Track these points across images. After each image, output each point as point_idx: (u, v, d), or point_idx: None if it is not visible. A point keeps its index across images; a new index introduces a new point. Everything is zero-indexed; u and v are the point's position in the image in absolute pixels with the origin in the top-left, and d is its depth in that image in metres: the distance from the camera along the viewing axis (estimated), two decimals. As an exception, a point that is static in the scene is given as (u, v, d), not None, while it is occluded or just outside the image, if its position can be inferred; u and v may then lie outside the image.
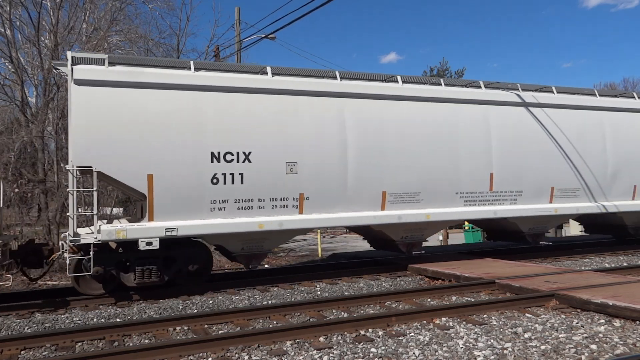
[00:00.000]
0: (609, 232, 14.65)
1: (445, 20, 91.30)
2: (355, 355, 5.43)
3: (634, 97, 13.65)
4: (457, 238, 20.97)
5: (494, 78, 12.85)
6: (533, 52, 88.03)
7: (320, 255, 15.71)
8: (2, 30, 16.91)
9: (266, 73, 9.80)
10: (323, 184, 9.80)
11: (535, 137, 11.88)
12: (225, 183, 9.09)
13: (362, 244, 18.33)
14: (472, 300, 7.96)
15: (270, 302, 8.39)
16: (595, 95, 13.13)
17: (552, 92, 12.45)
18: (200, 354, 5.60)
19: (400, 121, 10.56)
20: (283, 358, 5.45)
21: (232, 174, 9.14)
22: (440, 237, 19.93)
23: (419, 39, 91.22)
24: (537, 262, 11.75)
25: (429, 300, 8.16)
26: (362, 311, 7.61)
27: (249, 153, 9.25)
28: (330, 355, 5.44)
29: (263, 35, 18.91)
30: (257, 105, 9.47)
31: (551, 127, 12.11)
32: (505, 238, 13.09)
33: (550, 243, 14.13)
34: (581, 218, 14.40)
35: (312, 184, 9.70)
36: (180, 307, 8.19)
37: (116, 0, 18.54)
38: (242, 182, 9.18)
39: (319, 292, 9.13)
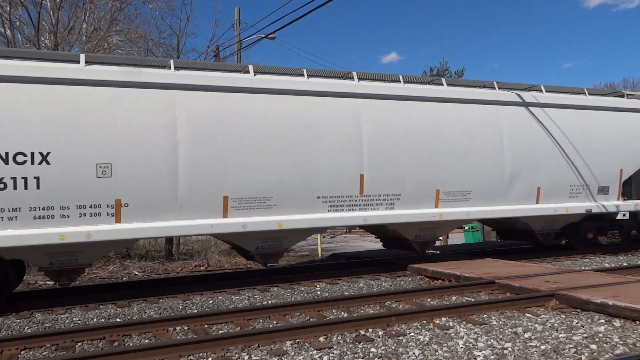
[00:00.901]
0: (521, 239, 13.61)
1: (446, 20, 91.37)
2: (355, 355, 5.43)
3: (541, 91, 12.40)
4: (457, 238, 20.96)
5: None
6: (534, 52, 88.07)
7: (320, 255, 15.71)
8: (2, 30, 16.92)
9: (78, 61, 8.52)
10: (146, 188, 8.56)
11: (417, 135, 10.60)
12: (15, 188, 7.79)
13: (362, 244, 18.34)
14: (472, 300, 7.96)
15: (270, 302, 8.39)
16: (494, 88, 11.89)
17: (442, 84, 11.32)
18: (200, 354, 5.60)
19: (246, 116, 9.25)
20: (283, 358, 5.45)
21: (25, 178, 7.83)
22: (440, 237, 19.90)
23: (419, 39, 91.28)
24: (537, 262, 11.74)
25: (429, 300, 8.16)
26: (362, 311, 7.61)
27: (47, 154, 7.96)
28: (330, 355, 5.44)
29: (263, 35, 18.94)
30: (59, 99, 8.16)
31: (438, 123, 10.86)
32: (394, 246, 12.10)
33: (438, 252, 13.20)
34: (492, 224, 13.86)
35: (131, 188, 8.46)
36: (180, 307, 8.19)
37: (116, 0, 18.55)
38: (37, 187, 7.90)
39: (319, 292, 9.13)
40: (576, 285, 7.91)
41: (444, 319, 6.73)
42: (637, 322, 6.27)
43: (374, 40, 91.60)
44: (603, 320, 6.43)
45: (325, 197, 9.82)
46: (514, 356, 5.29)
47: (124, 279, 11.90)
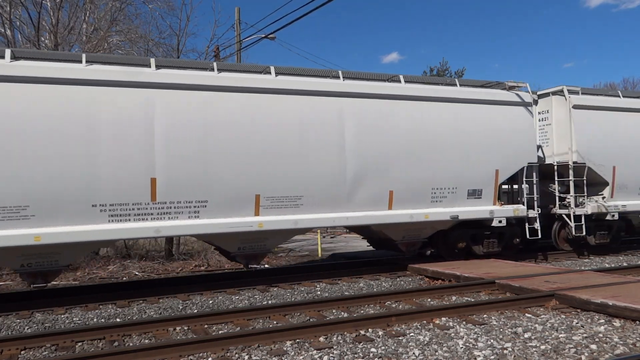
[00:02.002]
0: (390, 248, 12.14)
1: (447, 20, 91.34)
2: (355, 355, 5.43)
3: (399, 81, 10.92)
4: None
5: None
6: (535, 52, 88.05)
7: (320, 255, 15.70)
8: (2, 30, 16.92)
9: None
10: None
11: (232, 132, 9.15)
12: None
13: (362, 244, 18.32)
14: (472, 300, 7.96)
15: (270, 302, 8.39)
16: (338, 77, 10.35)
17: (270, 73, 9.80)
18: (200, 354, 5.60)
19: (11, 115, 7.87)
20: (283, 358, 5.46)
21: None
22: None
23: (420, 39, 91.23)
24: (537, 262, 11.75)
25: (429, 300, 8.16)
26: (362, 311, 7.61)
27: None
28: (330, 355, 5.44)
29: (263, 35, 18.92)
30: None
31: (256, 118, 9.34)
32: (226, 255, 10.89)
33: (266, 266, 12.49)
34: (359, 232, 12.79)
35: None
36: (180, 307, 8.19)
37: (116, 1, 18.55)
38: None
39: (319, 292, 9.13)
40: (576, 285, 7.91)
41: (444, 319, 6.73)
42: (637, 322, 6.27)
43: (374, 41, 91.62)
44: (603, 321, 6.43)
45: (105, 205, 8.35)
46: (514, 356, 5.29)
47: (124, 279, 11.89)
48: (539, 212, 11.79)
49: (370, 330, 6.31)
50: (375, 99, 10.41)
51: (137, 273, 12.47)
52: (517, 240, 11.92)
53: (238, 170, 9.16)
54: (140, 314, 7.87)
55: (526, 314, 6.89)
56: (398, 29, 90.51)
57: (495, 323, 6.49)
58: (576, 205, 12.37)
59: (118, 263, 13.18)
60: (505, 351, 5.42)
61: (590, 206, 12.33)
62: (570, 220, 12.29)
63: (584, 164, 12.21)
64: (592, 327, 6.19)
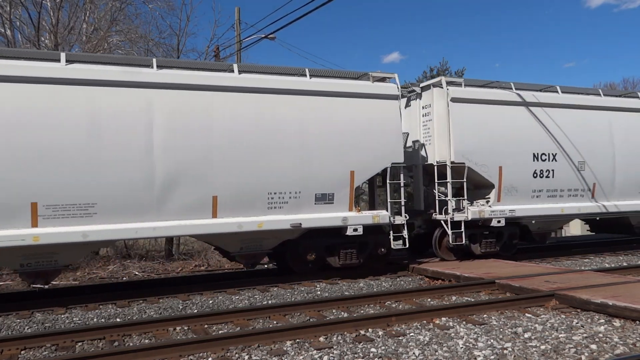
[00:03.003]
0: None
1: (449, 20, 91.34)
2: (355, 355, 5.43)
3: (232, 71, 9.57)
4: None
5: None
6: (536, 52, 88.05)
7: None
8: (2, 30, 16.92)
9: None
10: None
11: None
12: None
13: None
14: (472, 300, 7.96)
15: (270, 302, 8.39)
16: (151, 66, 9.01)
17: (59, 60, 8.44)
18: (200, 354, 5.60)
19: None
20: (283, 358, 5.46)
21: None
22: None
23: (422, 38, 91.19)
24: (537, 262, 11.75)
25: (429, 300, 8.16)
26: (362, 311, 7.61)
27: None
28: (330, 355, 5.44)
29: (263, 36, 18.91)
30: None
31: (38, 114, 8.07)
32: None
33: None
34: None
35: None
36: (180, 307, 8.19)
37: (116, 0, 18.54)
38: None
39: (319, 292, 9.13)
40: (576, 285, 7.91)
41: (444, 319, 6.73)
42: (637, 322, 6.27)
43: (375, 40, 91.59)
44: (603, 320, 6.43)
45: None
46: (514, 356, 5.29)
47: (124, 279, 11.89)
48: (407, 218, 10.67)
49: (370, 330, 6.30)
50: (195, 91, 9.03)
51: (137, 273, 12.47)
52: (383, 250, 10.57)
53: (15, 175, 7.86)
54: (140, 314, 7.87)
55: (526, 314, 6.89)
56: (400, 28, 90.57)
57: (495, 323, 6.49)
58: (457, 210, 11.26)
59: (118, 263, 13.18)
60: (505, 351, 5.42)
61: (471, 211, 11.12)
62: (448, 227, 11.06)
63: (463, 163, 11.00)
64: (592, 327, 6.19)
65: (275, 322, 7.05)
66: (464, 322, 6.56)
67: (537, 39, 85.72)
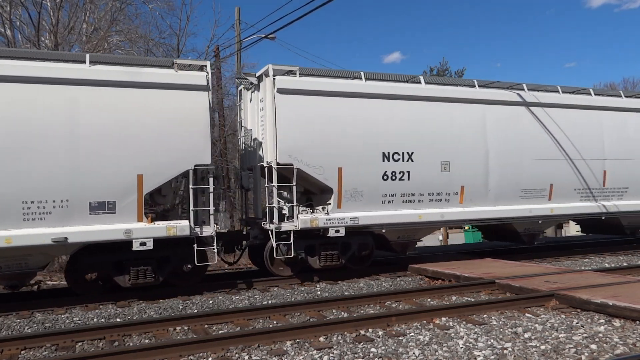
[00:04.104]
0: None
1: (450, 20, 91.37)
2: (355, 355, 5.43)
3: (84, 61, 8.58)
4: (457, 238, 20.98)
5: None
6: (537, 52, 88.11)
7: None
8: (2, 30, 16.93)
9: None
10: None
11: None
12: None
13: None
14: (472, 300, 7.96)
15: (270, 302, 8.39)
16: None
17: None
18: (200, 354, 5.60)
19: None
20: (283, 358, 5.46)
21: None
22: (440, 237, 19.92)
23: (423, 38, 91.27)
24: (537, 262, 11.75)
25: (429, 300, 8.16)
26: (362, 311, 7.61)
27: None
28: (330, 355, 5.44)
29: (263, 35, 18.92)
30: None
31: None
32: None
33: None
34: None
35: None
36: (180, 307, 8.19)
37: (116, 1, 18.55)
38: None
39: (319, 292, 9.13)
40: (576, 285, 7.91)
41: (444, 319, 6.72)
42: (637, 322, 6.27)
43: (376, 40, 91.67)
44: (603, 320, 6.43)
45: None
46: (514, 356, 5.29)
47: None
48: (217, 229, 9.41)
49: (370, 330, 6.30)
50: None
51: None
52: (189, 267, 9.19)
53: None
54: (140, 314, 7.87)
55: (526, 314, 6.89)
56: (401, 28, 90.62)
57: (495, 323, 6.49)
58: (287, 218, 9.88)
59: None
60: (505, 351, 5.42)
61: (302, 220, 9.64)
62: (273, 238, 9.54)
63: (292, 164, 9.55)
64: (592, 327, 6.19)
65: (275, 322, 7.05)
66: (464, 322, 6.56)
67: (538, 39, 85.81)
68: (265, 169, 9.81)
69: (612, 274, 9.41)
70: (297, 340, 5.96)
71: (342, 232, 9.96)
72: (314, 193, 10.49)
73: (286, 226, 9.69)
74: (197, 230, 9.02)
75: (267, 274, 10.33)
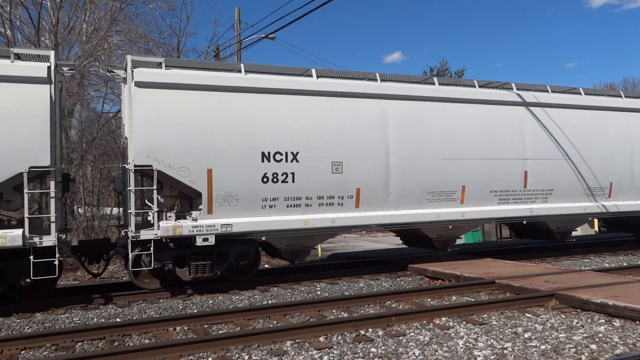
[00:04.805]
0: None
1: (450, 20, 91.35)
2: (355, 355, 5.43)
3: None
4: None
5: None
6: (537, 52, 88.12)
7: (320, 255, 15.71)
8: (2, 30, 16.95)
9: None
10: None
11: None
12: None
13: (362, 244, 18.33)
14: (472, 300, 7.96)
15: (270, 302, 8.39)
16: None
17: None
18: (200, 354, 5.60)
19: None
20: (283, 358, 5.46)
21: None
22: None
23: (423, 38, 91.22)
24: (537, 262, 11.75)
25: (429, 300, 8.16)
26: (362, 311, 7.61)
27: None
28: (330, 355, 5.44)
29: (263, 35, 18.93)
30: None
31: None
32: None
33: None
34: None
35: None
36: (180, 307, 8.19)
37: (116, 0, 18.56)
38: None
39: (319, 292, 9.13)
40: (576, 285, 7.91)
41: (444, 319, 6.73)
42: (637, 322, 6.27)
43: (377, 40, 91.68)
44: (603, 320, 6.43)
45: None
46: (514, 356, 5.29)
47: (124, 279, 11.89)
48: (64, 238, 8.53)
49: (370, 330, 6.30)
50: None
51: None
52: (28, 280, 8.43)
53: None
54: (140, 314, 7.87)
55: (526, 314, 6.89)
56: (401, 28, 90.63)
57: (495, 323, 6.49)
58: (147, 226, 9.02)
59: (118, 263, 13.18)
60: (505, 351, 5.42)
61: (163, 227, 8.71)
62: (129, 247, 8.74)
63: (151, 166, 8.64)
64: (592, 327, 6.19)
65: (275, 322, 7.05)
66: (464, 322, 6.56)
67: (539, 39, 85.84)
68: (129, 171, 8.78)
69: (612, 274, 9.41)
70: (297, 340, 5.97)
71: (212, 241, 8.96)
72: (192, 198, 9.43)
73: (146, 234, 8.69)
74: (36, 240, 7.95)
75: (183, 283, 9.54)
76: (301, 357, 5.43)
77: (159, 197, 9.09)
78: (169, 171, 8.78)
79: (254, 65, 9.95)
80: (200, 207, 9.08)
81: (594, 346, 5.48)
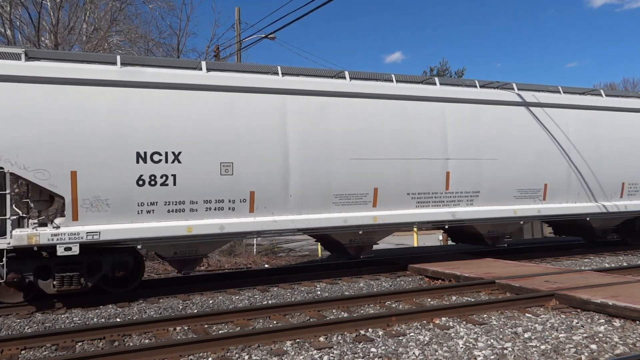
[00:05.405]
0: None
1: (451, 20, 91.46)
2: (355, 355, 5.43)
3: None
4: (457, 238, 20.95)
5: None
6: (538, 52, 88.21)
7: (320, 255, 15.72)
8: (2, 30, 16.95)
9: None
10: None
11: None
12: None
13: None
14: (472, 300, 7.96)
15: (270, 302, 8.39)
16: None
17: None
18: (200, 354, 5.61)
19: None
20: (283, 358, 5.46)
21: None
22: (440, 237, 19.91)
23: (424, 38, 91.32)
24: (537, 262, 11.75)
25: (429, 300, 8.16)
26: (362, 311, 7.61)
27: None
28: (330, 355, 5.44)
29: (263, 35, 18.94)
30: None
31: None
32: None
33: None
34: None
35: None
36: (180, 307, 8.19)
37: (116, 0, 18.57)
38: None
39: (319, 292, 9.13)
40: (576, 285, 7.91)
41: (444, 319, 6.73)
42: (637, 322, 6.27)
43: (378, 40, 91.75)
44: (603, 320, 6.43)
45: None
46: (514, 356, 5.29)
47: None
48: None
49: (370, 330, 6.30)
50: None
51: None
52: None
53: None
54: (140, 314, 7.87)
55: (526, 314, 6.89)
56: (402, 28, 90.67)
57: (495, 323, 6.49)
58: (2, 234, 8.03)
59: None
60: (505, 351, 5.42)
61: (17, 236, 7.85)
62: None
63: (2, 168, 7.82)
64: (592, 327, 6.19)
65: (275, 322, 7.05)
66: (464, 322, 6.56)
67: (540, 39, 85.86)
68: None
69: (612, 274, 9.41)
70: (297, 340, 5.97)
71: (76, 250, 8.09)
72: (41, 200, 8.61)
73: None
74: None
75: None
76: (301, 357, 5.43)
77: (30, 202, 8.56)
78: (24, 173, 7.92)
79: (132, 58, 9.17)
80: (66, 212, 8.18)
81: (594, 346, 5.48)
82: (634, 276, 9.29)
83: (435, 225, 11.61)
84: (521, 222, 12.07)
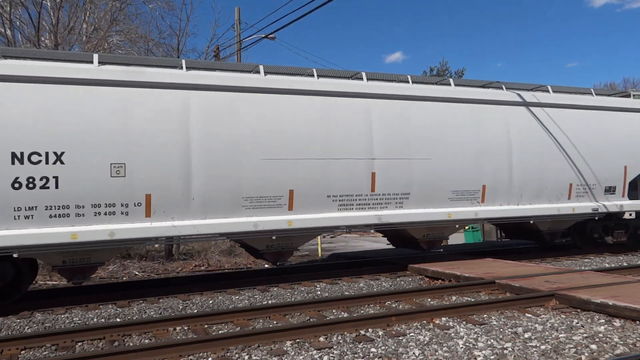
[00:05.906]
0: None
1: (451, 19, 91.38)
2: (355, 355, 5.43)
3: None
4: (457, 238, 20.96)
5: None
6: (539, 52, 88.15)
7: (320, 255, 15.72)
8: (2, 30, 16.93)
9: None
10: None
11: None
12: None
13: (362, 244, 18.34)
14: (472, 300, 7.96)
15: (270, 302, 8.39)
16: None
17: None
18: (200, 354, 5.60)
19: None
20: (283, 358, 5.46)
21: None
22: None
23: (424, 38, 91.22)
24: (537, 262, 11.75)
25: (429, 300, 8.16)
26: (362, 311, 7.61)
27: None
28: (331, 355, 5.44)
29: (263, 35, 18.91)
30: None
31: None
32: None
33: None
34: None
35: None
36: (180, 307, 8.19)
37: (116, 0, 18.57)
38: None
39: (319, 292, 9.13)
40: (576, 285, 7.91)
41: (444, 319, 6.73)
42: (637, 322, 6.27)
43: (378, 40, 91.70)
44: (603, 320, 6.43)
45: None
46: (514, 356, 5.29)
47: (124, 279, 11.90)
48: None
49: (370, 330, 6.30)
50: None
51: (137, 273, 12.48)
52: None
53: None
54: (140, 314, 7.87)
55: (526, 314, 6.89)
56: (402, 28, 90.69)
57: (495, 323, 6.49)
58: None
59: (118, 263, 13.18)
60: (505, 351, 5.42)
61: None
62: None
63: None
64: (592, 327, 6.19)
65: (275, 322, 7.05)
66: (464, 322, 6.56)
67: (540, 39, 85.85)
68: None
69: (612, 274, 9.41)
70: (297, 340, 5.96)
71: None
72: None
73: None
74: None
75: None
76: (301, 357, 5.43)
77: None
78: None
79: (12, 50, 8.48)
80: None
81: (594, 346, 5.48)
82: (634, 276, 9.29)
83: (362, 230, 10.83)
84: (456, 226, 11.49)
